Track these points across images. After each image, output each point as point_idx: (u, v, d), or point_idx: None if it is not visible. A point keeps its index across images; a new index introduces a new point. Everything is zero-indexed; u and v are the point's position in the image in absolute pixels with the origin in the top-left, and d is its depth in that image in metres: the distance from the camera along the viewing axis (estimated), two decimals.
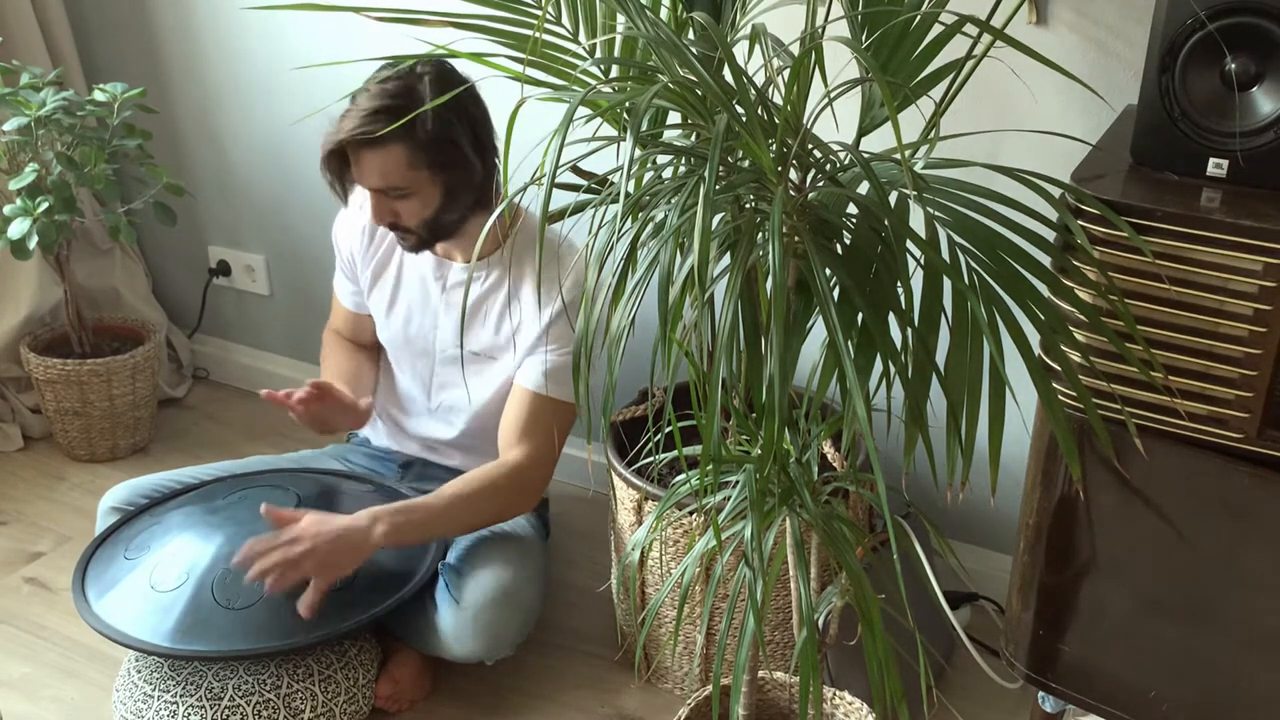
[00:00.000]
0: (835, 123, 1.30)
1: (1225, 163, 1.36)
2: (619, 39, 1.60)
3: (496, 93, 1.52)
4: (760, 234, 1.15)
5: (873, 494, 1.45)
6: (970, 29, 1.36)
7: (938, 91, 1.43)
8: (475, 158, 1.78)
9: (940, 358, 1.15)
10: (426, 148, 1.73)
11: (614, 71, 1.59)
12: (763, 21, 1.23)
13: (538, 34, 1.53)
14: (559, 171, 1.07)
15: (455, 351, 2.00)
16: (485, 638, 1.83)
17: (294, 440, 2.39)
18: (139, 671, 1.82)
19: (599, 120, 1.54)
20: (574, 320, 1.84)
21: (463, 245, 1.93)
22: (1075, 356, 1.39)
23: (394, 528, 1.78)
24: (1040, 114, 1.76)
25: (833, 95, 1.20)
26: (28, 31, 2.53)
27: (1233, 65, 1.32)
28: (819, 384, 1.21)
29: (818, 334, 1.14)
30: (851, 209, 1.20)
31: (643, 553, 1.86)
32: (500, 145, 1.82)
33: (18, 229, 2.24)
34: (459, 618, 1.82)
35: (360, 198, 1.95)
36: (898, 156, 1.13)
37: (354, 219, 2.03)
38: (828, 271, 1.13)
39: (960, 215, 1.19)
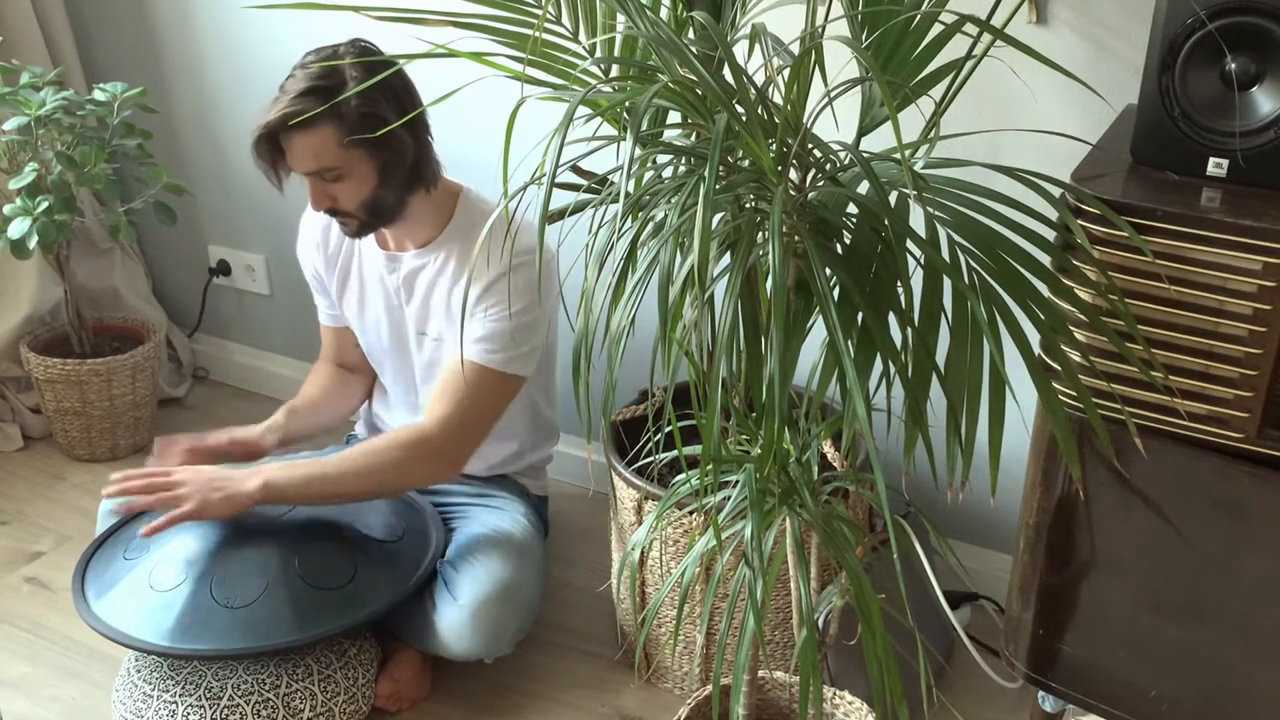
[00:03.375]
0: (835, 122, 1.30)
1: (1225, 162, 1.36)
2: (619, 38, 1.60)
3: (496, 93, 1.52)
4: (760, 234, 1.15)
5: (873, 494, 1.45)
6: (970, 29, 1.36)
7: (938, 91, 1.43)
8: (405, 132, 1.77)
9: (940, 358, 1.15)
10: (355, 125, 1.74)
11: (614, 71, 1.59)
12: (763, 21, 1.23)
13: (538, 34, 1.53)
14: (559, 171, 1.07)
15: (425, 337, 2.00)
16: (484, 636, 1.83)
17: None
18: (139, 671, 1.82)
19: (599, 120, 1.54)
20: (538, 285, 1.84)
21: (411, 232, 1.94)
22: (1075, 356, 1.39)
23: (269, 483, 1.79)
24: (1040, 114, 1.76)
25: (833, 95, 1.20)
26: (28, 31, 2.53)
27: (1233, 65, 1.32)
28: (819, 384, 1.21)
29: (818, 334, 1.14)
30: (851, 209, 1.20)
31: (643, 553, 1.86)
32: (430, 121, 1.83)
33: (18, 229, 2.24)
34: (458, 616, 1.82)
35: (315, 216, 1.99)
36: (898, 156, 1.13)
37: (311, 233, 2.07)
38: (828, 271, 1.13)
39: (960, 215, 1.19)
